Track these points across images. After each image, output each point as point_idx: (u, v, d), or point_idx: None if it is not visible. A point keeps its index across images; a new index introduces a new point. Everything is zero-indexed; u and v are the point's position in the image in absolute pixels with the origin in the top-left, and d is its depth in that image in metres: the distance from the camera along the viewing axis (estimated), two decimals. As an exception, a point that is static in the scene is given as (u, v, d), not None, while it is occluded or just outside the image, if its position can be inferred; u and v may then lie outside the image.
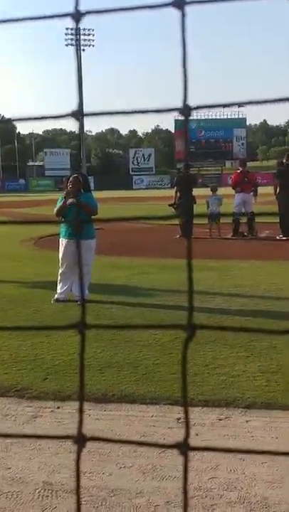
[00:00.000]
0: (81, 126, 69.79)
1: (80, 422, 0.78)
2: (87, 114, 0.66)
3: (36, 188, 65.23)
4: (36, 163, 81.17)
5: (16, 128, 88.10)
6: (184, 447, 0.74)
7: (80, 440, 0.77)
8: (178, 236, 16.20)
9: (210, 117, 71.63)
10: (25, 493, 3.49)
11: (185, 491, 0.76)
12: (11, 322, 7.15)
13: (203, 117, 71.29)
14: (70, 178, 8.42)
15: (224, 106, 0.69)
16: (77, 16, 0.64)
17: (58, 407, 4.70)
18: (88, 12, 0.66)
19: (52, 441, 4.04)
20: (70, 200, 8.19)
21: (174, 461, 3.82)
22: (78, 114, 0.64)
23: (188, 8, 0.65)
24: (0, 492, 3.51)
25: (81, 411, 0.78)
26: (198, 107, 0.67)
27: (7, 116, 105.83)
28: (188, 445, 0.74)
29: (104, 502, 3.41)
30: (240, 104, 0.72)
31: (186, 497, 0.76)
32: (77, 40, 63.91)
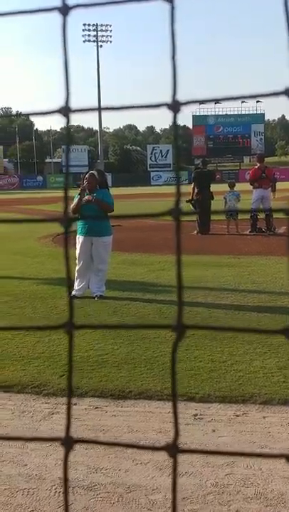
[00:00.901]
0: (99, 123, 69.87)
1: (68, 425, 0.77)
2: (76, 111, 0.66)
3: (54, 184, 65.45)
4: (54, 160, 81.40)
5: (33, 125, 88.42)
6: (173, 450, 0.73)
7: (68, 442, 0.77)
8: (195, 232, 16.17)
9: (228, 113, 71.36)
10: (41, 490, 3.50)
11: (174, 494, 0.76)
12: (28, 318, 7.19)
13: (221, 113, 71.04)
14: (86, 175, 8.43)
15: (216, 101, 0.68)
16: (64, 10, 0.64)
17: (75, 404, 4.71)
18: (76, 6, 0.65)
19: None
20: (85, 198, 8.21)
21: (190, 457, 3.81)
22: (66, 111, 0.64)
23: (177, 1, 0.64)
24: (17, 489, 3.53)
25: (69, 412, 0.78)
26: (188, 102, 0.66)
27: (25, 113, 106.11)
28: (177, 447, 0.74)
29: (120, 498, 3.42)
30: (235, 99, 0.71)
31: (174, 499, 0.75)
32: (96, 36, 63.83)
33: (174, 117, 0.66)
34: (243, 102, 64.97)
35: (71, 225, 0.76)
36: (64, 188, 0.72)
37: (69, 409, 0.79)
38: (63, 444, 0.77)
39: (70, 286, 0.78)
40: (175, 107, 0.65)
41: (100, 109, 0.69)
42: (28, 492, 3.49)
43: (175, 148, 0.81)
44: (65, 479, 0.77)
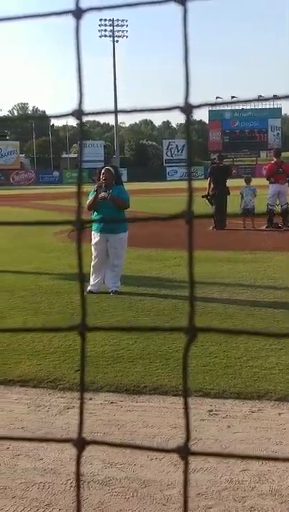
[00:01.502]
0: (115, 118, 69.84)
1: (80, 425, 0.77)
2: (89, 114, 0.66)
3: (70, 180, 65.55)
4: (70, 156, 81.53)
5: (50, 120, 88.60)
6: (184, 451, 0.73)
7: (80, 443, 0.77)
8: (211, 228, 16.12)
9: (245, 107, 71.02)
10: (57, 484, 3.52)
11: (185, 496, 0.76)
12: (44, 314, 7.22)
13: (237, 107, 70.72)
14: (102, 171, 8.43)
15: (228, 103, 0.67)
16: (78, 13, 0.64)
17: (91, 398, 4.73)
18: (90, 9, 0.65)
19: (83, 433, 4.06)
20: (101, 194, 8.21)
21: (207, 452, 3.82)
22: (79, 114, 0.64)
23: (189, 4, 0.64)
24: (32, 483, 3.55)
25: (81, 412, 0.78)
26: (200, 105, 0.66)
27: (41, 108, 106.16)
28: (188, 449, 0.74)
29: (135, 493, 3.43)
30: (250, 101, 0.70)
31: (186, 501, 0.75)
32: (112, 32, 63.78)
33: (187, 120, 0.66)
34: (259, 96, 64.67)
35: (84, 228, 0.76)
36: (77, 194, 0.72)
37: (81, 410, 0.79)
38: (75, 445, 0.77)
39: (83, 285, 0.78)
40: (187, 109, 0.65)
41: (115, 111, 0.69)
42: (43, 486, 3.51)
43: (188, 159, 0.81)
44: (78, 479, 0.78)
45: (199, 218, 0.70)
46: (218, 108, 69.95)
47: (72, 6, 0.65)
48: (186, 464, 0.75)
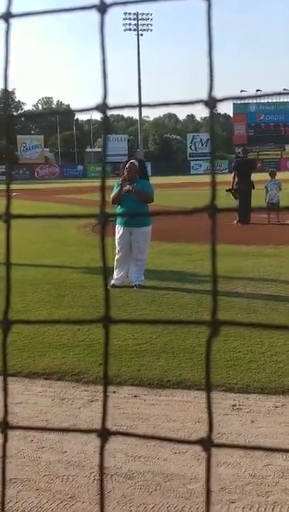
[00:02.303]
0: (139, 112, 69.75)
1: (104, 417, 0.77)
2: (113, 107, 0.65)
3: (94, 174, 65.69)
4: (94, 150, 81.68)
5: (74, 114, 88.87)
6: (208, 443, 0.73)
7: (104, 434, 0.77)
8: (235, 222, 16.05)
9: (270, 100, 70.43)
10: (80, 477, 3.55)
11: (208, 488, 0.75)
12: (68, 307, 7.26)
13: (263, 100, 70.14)
14: (127, 164, 8.42)
15: (252, 97, 0.67)
16: (102, 8, 0.64)
17: (114, 392, 4.75)
18: (114, 3, 0.65)
19: (107, 426, 4.08)
20: (125, 188, 8.21)
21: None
22: (103, 107, 0.64)
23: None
24: (56, 475, 3.58)
25: (105, 404, 0.78)
26: (223, 99, 0.65)
27: (65, 102, 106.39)
28: (211, 441, 0.73)
29: (158, 487, 3.44)
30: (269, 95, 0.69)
31: (208, 490, 0.75)
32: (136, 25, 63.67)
33: (211, 114, 0.65)
34: (284, 89, 64.08)
35: (108, 222, 0.76)
36: (101, 188, 0.72)
37: (105, 401, 0.79)
38: (99, 435, 0.77)
39: (106, 279, 0.78)
40: (211, 103, 0.64)
41: (139, 105, 0.68)
42: (67, 479, 3.54)
43: (211, 152, 0.80)
44: (101, 471, 0.78)
45: (222, 212, 0.69)
46: (242, 101, 69.47)
47: (96, 1, 0.64)
48: (209, 456, 0.74)
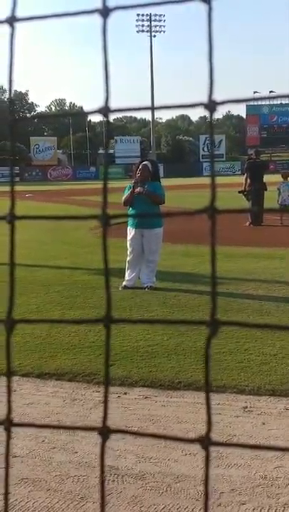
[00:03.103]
0: (152, 113, 69.81)
1: (105, 415, 0.78)
2: (115, 110, 0.66)
3: (107, 175, 65.66)
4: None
5: (86, 116, 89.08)
6: (206, 441, 0.74)
7: (105, 432, 0.78)
8: (247, 224, 16.02)
9: (283, 102, 70.23)
10: (91, 478, 3.56)
11: (206, 487, 0.76)
12: (80, 308, 7.28)
13: (276, 102, 69.95)
14: (140, 166, 8.43)
15: (249, 100, 0.67)
16: (105, 12, 0.64)
17: (125, 393, 4.76)
18: (116, 8, 0.66)
19: (118, 427, 4.10)
20: (137, 189, 8.23)
21: (239, 449, 3.81)
22: (105, 111, 0.65)
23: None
24: (67, 476, 3.59)
25: (106, 402, 0.79)
26: (223, 102, 0.66)
27: (78, 104, 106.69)
28: (210, 439, 0.74)
29: (169, 488, 3.44)
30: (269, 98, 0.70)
31: (206, 489, 0.76)
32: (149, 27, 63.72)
33: (210, 117, 0.66)
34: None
35: (109, 223, 0.77)
36: (103, 188, 0.73)
37: (106, 398, 0.80)
38: (100, 433, 0.78)
39: (108, 278, 0.79)
40: (211, 106, 0.65)
41: (140, 108, 0.69)
42: (78, 479, 3.55)
43: (210, 153, 0.81)
44: (102, 468, 0.79)
45: (222, 213, 0.70)
46: (255, 102, 69.31)
47: (99, 5, 0.66)
48: (208, 454, 0.75)
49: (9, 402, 0.83)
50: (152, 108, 0.68)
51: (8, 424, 0.83)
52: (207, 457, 0.74)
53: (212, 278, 0.72)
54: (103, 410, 0.82)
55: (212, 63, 0.63)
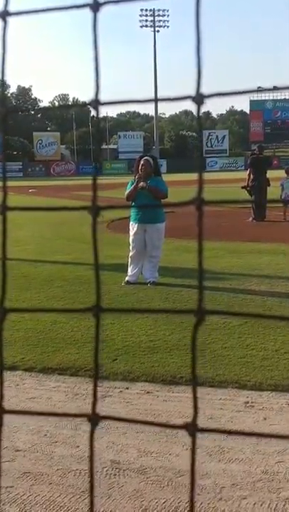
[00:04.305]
0: (155, 109, 69.72)
1: (94, 402, 0.80)
2: (105, 103, 0.67)
3: (110, 171, 65.78)
4: (110, 147, 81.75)
5: (90, 111, 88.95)
6: (192, 428, 0.75)
7: (94, 419, 0.79)
8: (250, 219, 16.01)
9: (287, 97, 70.08)
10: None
11: (192, 473, 0.77)
12: (82, 303, 7.29)
13: (280, 97, 69.82)
14: (142, 161, 8.43)
15: (240, 93, 0.68)
16: (95, 7, 0.65)
17: (127, 388, 4.77)
18: (107, 2, 0.67)
19: (120, 422, 4.11)
20: (140, 184, 8.23)
21: (240, 444, 3.82)
22: (95, 103, 0.65)
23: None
24: (69, 470, 3.61)
25: (95, 391, 0.80)
26: (211, 95, 0.67)
27: (82, 99, 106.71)
28: (196, 426, 0.75)
29: (170, 482, 3.46)
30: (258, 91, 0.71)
31: (193, 479, 0.77)
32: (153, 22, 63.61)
33: (198, 110, 0.67)
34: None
35: (100, 214, 0.79)
36: (93, 178, 0.74)
37: (95, 385, 0.81)
38: (90, 420, 0.80)
39: (98, 270, 0.81)
40: (198, 99, 0.66)
41: (130, 101, 0.70)
42: (79, 473, 3.57)
43: (198, 140, 0.82)
44: (91, 454, 0.80)
45: (209, 204, 0.71)
46: (259, 98, 69.22)
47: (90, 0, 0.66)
48: (194, 441, 0.76)
49: (1, 389, 0.84)
50: (142, 101, 0.68)
51: (1, 411, 0.84)
52: (193, 443, 0.75)
53: (199, 268, 0.73)
54: (92, 397, 0.83)
55: (200, 56, 0.64)
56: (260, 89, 0.71)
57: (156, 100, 0.70)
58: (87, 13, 0.71)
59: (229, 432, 0.88)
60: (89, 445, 0.79)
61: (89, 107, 0.70)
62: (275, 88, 0.72)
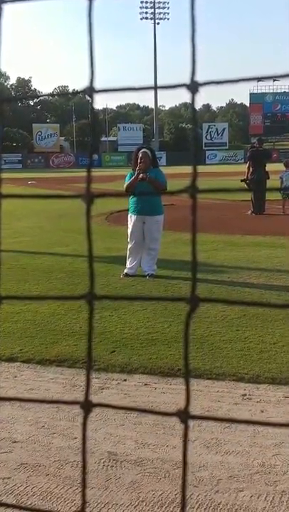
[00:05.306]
0: (155, 101, 69.54)
1: (87, 389, 0.79)
2: (100, 91, 0.66)
3: (109, 163, 65.69)
4: (109, 139, 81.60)
5: (89, 103, 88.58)
6: (184, 415, 0.75)
7: (87, 406, 0.79)
8: (249, 212, 16.00)
9: (287, 90, 69.93)
10: (90, 463, 3.58)
11: (184, 461, 0.77)
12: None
13: (280, 90, 69.66)
14: (140, 154, 8.40)
15: (234, 81, 0.67)
16: None
17: (125, 380, 4.78)
18: None
19: (117, 413, 4.12)
20: (140, 176, 8.21)
21: (238, 436, 3.83)
22: (90, 91, 0.65)
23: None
24: (66, 461, 3.61)
25: (88, 379, 0.80)
26: (206, 83, 0.66)
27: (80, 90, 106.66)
28: (188, 413, 0.75)
29: (167, 474, 3.46)
30: (251, 79, 0.70)
31: (185, 467, 0.76)
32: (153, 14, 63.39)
33: (192, 98, 0.66)
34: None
35: (93, 201, 0.78)
36: (87, 168, 0.73)
37: (88, 374, 0.81)
38: (82, 407, 0.79)
39: (92, 258, 0.80)
40: (193, 87, 0.65)
41: (124, 89, 0.69)
42: (76, 465, 3.57)
43: (192, 130, 0.81)
44: (84, 441, 0.79)
45: (203, 193, 0.70)
46: (259, 91, 69.08)
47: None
48: (186, 428, 0.76)
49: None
50: (137, 89, 0.67)
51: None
52: (186, 431, 0.75)
53: (192, 255, 0.72)
54: (85, 385, 0.83)
55: (194, 44, 0.63)
56: (256, 77, 0.70)
57: (153, 88, 0.69)
58: (92, 6, 0.70)
59: (221, 420, 0.87)
60: (81, 432, 0.78)
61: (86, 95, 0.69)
62: (273, 77, 0.71)
